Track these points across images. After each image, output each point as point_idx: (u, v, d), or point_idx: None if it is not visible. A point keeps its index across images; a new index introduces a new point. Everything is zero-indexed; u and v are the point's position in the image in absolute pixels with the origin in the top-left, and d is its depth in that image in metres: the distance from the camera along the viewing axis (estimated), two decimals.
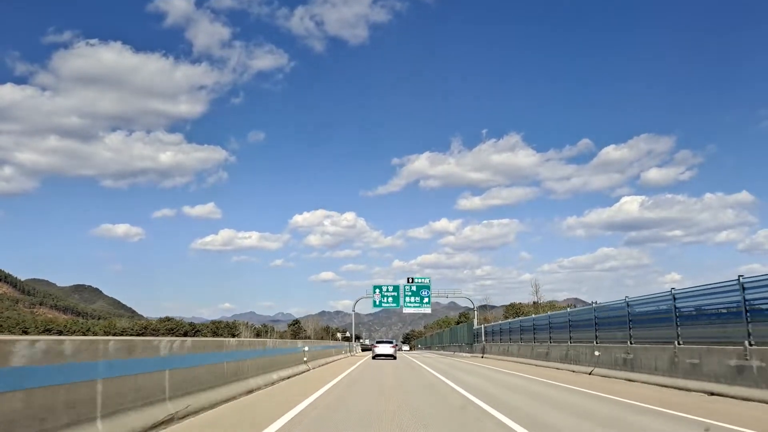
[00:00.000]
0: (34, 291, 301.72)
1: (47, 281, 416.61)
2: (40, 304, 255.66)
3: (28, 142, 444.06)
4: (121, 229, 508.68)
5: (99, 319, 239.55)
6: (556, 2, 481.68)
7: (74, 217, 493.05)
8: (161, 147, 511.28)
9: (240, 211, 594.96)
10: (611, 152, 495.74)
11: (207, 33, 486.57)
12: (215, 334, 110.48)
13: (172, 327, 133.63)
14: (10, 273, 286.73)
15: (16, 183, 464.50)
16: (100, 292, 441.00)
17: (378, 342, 41.32)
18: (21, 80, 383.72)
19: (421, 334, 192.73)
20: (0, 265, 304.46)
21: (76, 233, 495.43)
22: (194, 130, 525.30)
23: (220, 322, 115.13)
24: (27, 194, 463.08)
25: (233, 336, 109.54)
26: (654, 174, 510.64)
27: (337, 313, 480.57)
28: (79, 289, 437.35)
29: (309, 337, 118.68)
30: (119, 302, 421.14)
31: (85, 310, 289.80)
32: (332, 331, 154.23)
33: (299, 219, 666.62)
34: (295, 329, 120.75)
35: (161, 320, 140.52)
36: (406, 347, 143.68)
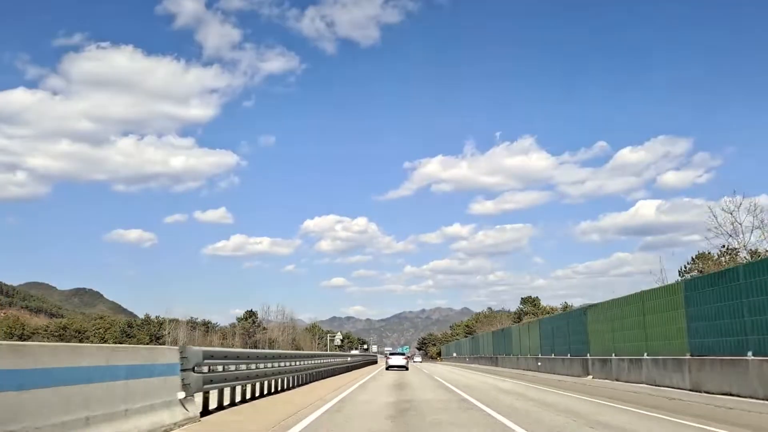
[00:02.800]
0: (13, 292, 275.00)
1: (47, 285, 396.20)
2: (10, 305, 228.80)
3: (39, 146, 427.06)
4: (134, 234, 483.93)
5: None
6: (571, 1, 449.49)
7: (87, 222, 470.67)
8: (173, 151, 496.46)
9: (251, 217, 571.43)
10: (627, 154, 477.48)
11: (217, 35, 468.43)
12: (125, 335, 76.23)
13: (105, 327, 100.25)
14: None
15: (29, 188, 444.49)
16: (101, 295, 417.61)
17: (391, 354, 41.80)
18: (32, 84, 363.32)
19: (447, 338, 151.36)
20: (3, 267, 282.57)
21: (89, 239, 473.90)
22: (206, 135, 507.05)
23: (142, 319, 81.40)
24: (40, 199, 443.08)
25: (157, 340, 75.06)
26: (671, 177, 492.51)
27: (348, 318, 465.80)
28: (79, 292, 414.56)
29: (274, 344, 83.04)
30: (120, 306, 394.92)
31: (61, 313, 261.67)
32: (320, 333, 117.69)
33: (311, 224, 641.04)
34: (248, 328, 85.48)
35: (93, 319, 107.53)
36: (418, 358, 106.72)
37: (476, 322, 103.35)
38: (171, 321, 79.07)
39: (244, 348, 76.37)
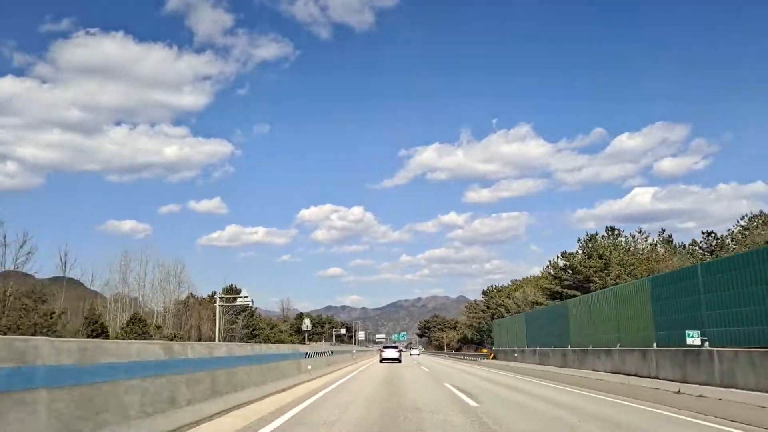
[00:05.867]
0: None
1: (25, 273, 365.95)
2: None
3: (29, 136, 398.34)
4: (128, 225, 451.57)
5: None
6: None
7: (80, 213, 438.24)
8: (166, 140, 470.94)
9: (246, 206, 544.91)
10: (625, 140, 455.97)
11: (209, 20, 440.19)
12: None
13: None
14: None
15: (19, 179, 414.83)
16: (82, 284, 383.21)
17: (385, 347, 41.55)
18: (19, 72, 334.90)
19: (473, 312, 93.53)
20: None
21: (82, 230, 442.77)
22: (200, 123, 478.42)
23: None
24: (32, 190, 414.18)
25: None
26: (668, 164, 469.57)
27: (344, 307, 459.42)
28: (57, 281, 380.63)
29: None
30: (101, 295, 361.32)
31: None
32: (238, 301, 70.81)
33: (306, 213, 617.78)
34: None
35: None
36: (416, 350, 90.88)
37: (584, 265, 48.56)
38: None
39: None
